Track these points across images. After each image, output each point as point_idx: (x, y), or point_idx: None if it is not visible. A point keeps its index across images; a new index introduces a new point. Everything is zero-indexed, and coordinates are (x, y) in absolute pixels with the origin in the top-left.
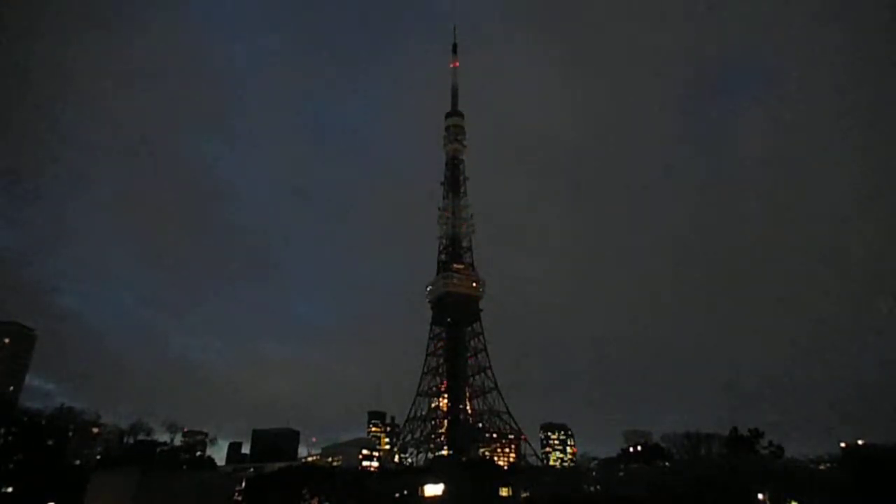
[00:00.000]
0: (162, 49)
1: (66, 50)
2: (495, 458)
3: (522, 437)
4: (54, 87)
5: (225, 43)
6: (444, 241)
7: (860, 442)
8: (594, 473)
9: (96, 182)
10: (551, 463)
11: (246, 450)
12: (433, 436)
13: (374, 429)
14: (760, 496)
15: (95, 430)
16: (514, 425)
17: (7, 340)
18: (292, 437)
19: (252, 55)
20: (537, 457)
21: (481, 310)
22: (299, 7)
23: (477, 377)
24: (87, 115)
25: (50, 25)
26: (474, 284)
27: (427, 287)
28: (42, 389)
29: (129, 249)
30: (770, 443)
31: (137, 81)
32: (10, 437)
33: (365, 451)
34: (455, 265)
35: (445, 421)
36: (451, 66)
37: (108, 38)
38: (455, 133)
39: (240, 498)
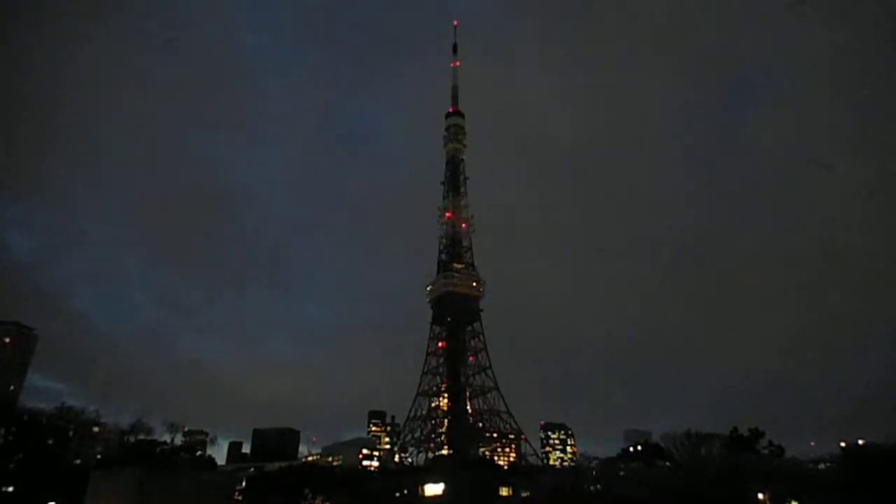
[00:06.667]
0: (174, 50)
1: (77, 51)
2: (495, 458)
3: (522, 436)
4: (68, 90)
5: (237, 46)
6: (444, 240)
7: (860, 442)
8: (594, 473)
9: (109, 185)
10: (551, 462)
11: (246, 449)
12: (433, 435)
13: (374, 428)
14: (760, 496)
15: (96, 429)
16: (514, 425)
17: (7, 340)
18: (293, 437)
19: (264, 59)
20: (537, 456)
21: (481, 310)
22: (309, 11)
23: (477, 377)
24: (99, 117)
25: (61, 30)
26: (474, 284)
27: (427, 287)
28: (50, 389)
29: (141, 251)
30: (770, 443)
31: (149, 82)
32: (10, 437)
33: (365, 451)
34: (455, 265)
35: (445, 421)
36: (452, 65)
37: (122, 37)
38: (455, 133)
39: (240, 497)
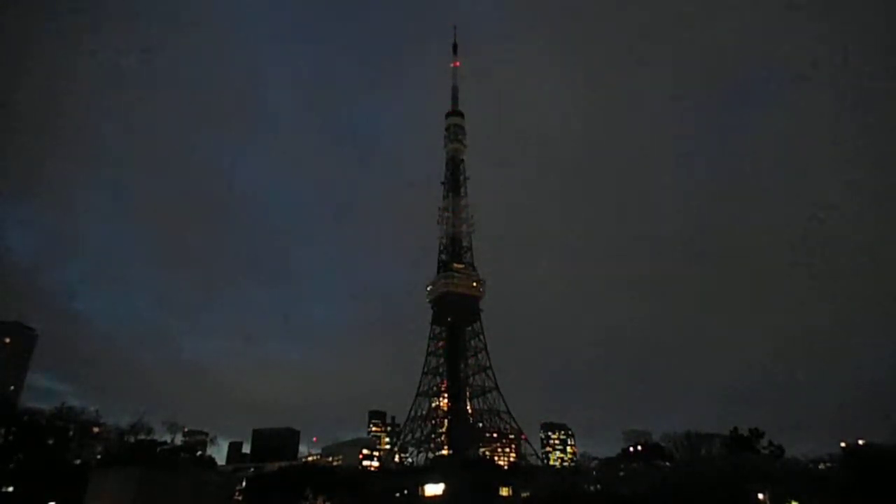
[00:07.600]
0: (179, 52)
1: (78, 51)
2: (495, 458)
3: (522, 436)
4: (68, 90)
5: (237, 46)
6: (444, 240)
7: (860, 442)
8: (594, 473)
9: (110, 185)
10: (551, 463)
11: (246, 449)
12: (433, 436)
13: (374, 428)
14: (760, 496)
15: (96, 429)
16: (514, 425)
17: (7, 340)
18: (293, 437)
19: (264, 59)
20: (537, 456)
21: (481, 310)
22: (310, 11)
23: (477, 377)
24: (99, 117)
25: (62, 29)
26: (474, 284)
27: (427, 287)
28: (50, 389)
29: (142, 252)
30: (770, 443)
31: (150, 82)
32: (10, 437)
33: (365, 451)
34: (455, 265)
35: (445, 421)
36: (452, 66)
37: (122, 38)
38: (455, 133)
39: (240, 497)
